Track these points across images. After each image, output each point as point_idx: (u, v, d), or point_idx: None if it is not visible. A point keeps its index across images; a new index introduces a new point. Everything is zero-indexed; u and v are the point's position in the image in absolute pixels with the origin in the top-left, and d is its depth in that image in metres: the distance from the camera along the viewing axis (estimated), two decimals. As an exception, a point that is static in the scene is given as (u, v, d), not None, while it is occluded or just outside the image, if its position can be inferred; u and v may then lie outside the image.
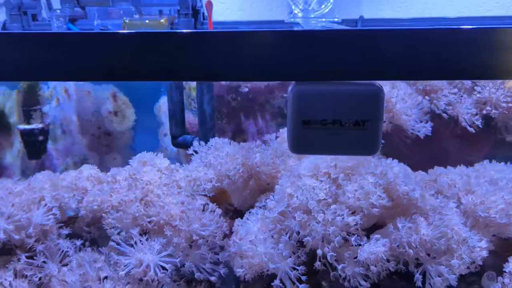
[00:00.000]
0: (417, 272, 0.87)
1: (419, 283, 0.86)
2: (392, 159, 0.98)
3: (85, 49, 0.53)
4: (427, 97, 1.15)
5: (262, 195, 1.07)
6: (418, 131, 1.15)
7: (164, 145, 1.41)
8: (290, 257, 0.91)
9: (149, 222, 0.92)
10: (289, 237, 0.90)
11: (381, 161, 0.96)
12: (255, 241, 0.94)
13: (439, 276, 0.84)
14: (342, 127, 0.62)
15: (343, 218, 0.85)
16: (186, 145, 1.34)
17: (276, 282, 0.91)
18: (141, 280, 0.91)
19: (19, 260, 0.95)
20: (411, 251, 0.85)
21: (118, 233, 0.92)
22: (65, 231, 1.01)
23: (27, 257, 0.96)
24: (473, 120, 1.12)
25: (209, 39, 0.54)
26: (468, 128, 1.14)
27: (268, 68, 0.56)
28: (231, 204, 1.10)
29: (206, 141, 1.13)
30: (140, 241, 0.92)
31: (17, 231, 0.95)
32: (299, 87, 0.63)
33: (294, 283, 0.92)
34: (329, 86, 0.61)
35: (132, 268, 0.90)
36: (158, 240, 0.92)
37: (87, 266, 0.95)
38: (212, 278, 0.96)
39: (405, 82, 1.19)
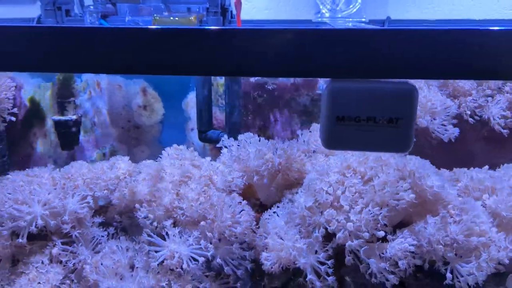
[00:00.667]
0: (447, 271, 0.88)
1: (449, 282, 0.87)
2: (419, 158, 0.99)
3: (121, 43, 0.55)
4: (456, 101, 1.15)
5: (289, 190, 1.09)
6: (443, 135, 1.15)
7: (190, 140, 1.44)
8: (317, 251, 0.93)
9: (182, 214, 0.95)
10: (316, 232, 0.92)
11: (407, 159, 0.97)
12: (282, 235, 0.96)
13: (467, 275, 0.85)
14: (375, 124, 0.64)
15: (370, 214, 0.87)
16: (213, 140, 1.37)
17: (309, 276, 0.93)
18: (172, 270, 0.94)
19: (54, 245, 0.99)
20: (440, 247, 0.85)
21: (151, 224, 0.95)
22: (98, 219, 1.05)
23: (62, 243, 1.00)
24: (506, 122, 1.13)
25: (243, 36, 0.56)
26: (502, 130, 1.14)
27: (298, 65, 0.57)
28: (257, 198, 1.12)
29: (233, 137, 1.15)
30: (173, 233, 0.94)
31: (53, 217, 0.99)
32: (335, 84, 0.64)
33: (320, 277, 0.93)
34: (363, 84, 0.63)
35: (164, 259, 0.92)
36: (190, 233, 0.94)
37: (120, 254, 0.98)
38: (239, 273, 0.98)
39: (434, 84, 1.19)
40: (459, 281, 0.86)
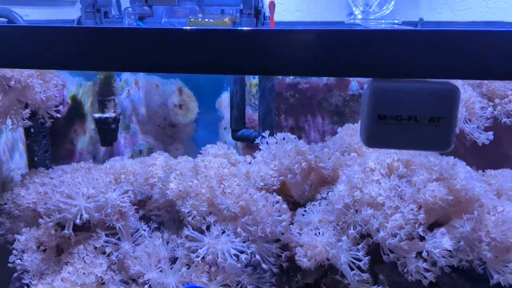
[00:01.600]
0: (490, 273, 0.88)
1: (493, 282, 0.87)
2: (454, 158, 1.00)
3: (158, 43, 0.58)
4: (491, 102, 1.15)
5: (323, 188, 1.11)
6: (477, 138, 1.14)
7: (223, 139, 1.47)
8: (351, 249, 0.95)
9: (223, 210, 0.97)
10: (351, 229, 0.94)
11: (443, 159, 0.98)
12: (317, 231, 0.98)
13: (509, 273, 0.85)
14: (416, 123, 0.65)
15: (407, 212, 0.88)
16: (245, 139, 1.40)
17: (343, 273, 0.94)
18: (212, 265, 0.97)
19: (98, 237, 1.04)
20: (477, 246, 0.86)
21: (192, 219, 0.98)
22: (138, 213, 1.09)
23: (105, 235, 1.04)
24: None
25: (281, 36, 0.58)
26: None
27: (333, 65, 0.59)
28: (291, 195, 1.14)
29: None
30: (214, 229, 0.97)
31: (96, 210, 1.03)
32: (376, 83, 0.66)
33: (354, 274, 0.95)
34: (405, 83, 0.64)
35: (204, 254, 0.95)
36: (230, 229, 0.97)
37: (161, 247, 1.02)
38: (275, 267, 1.01)
39: (469, 85, 1.19)
40: (498, 280, 0.86)
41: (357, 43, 0.58)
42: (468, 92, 1.17)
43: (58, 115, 1.18)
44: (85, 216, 1.02)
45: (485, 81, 1.19)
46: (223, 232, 0.97)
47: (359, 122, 0.70)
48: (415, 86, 0.65)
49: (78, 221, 1.01)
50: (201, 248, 0.96)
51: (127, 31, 0.60)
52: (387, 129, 0.67)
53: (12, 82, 1.07)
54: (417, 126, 0.66)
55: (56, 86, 1.16)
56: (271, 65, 0.59)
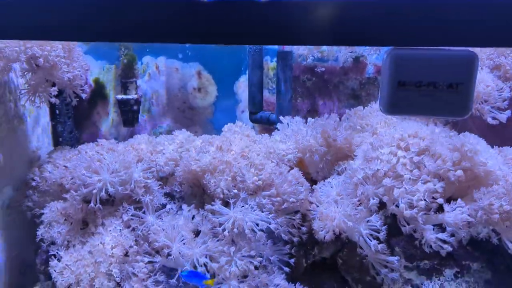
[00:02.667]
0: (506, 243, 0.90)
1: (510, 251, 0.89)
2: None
3: (177, 14, 0.60)
4: (508, 83, 1.16)
5: (340, 163, 1.13)
6: (493, 118, 1.15)
7: (241, 121, 1.50)
8: (368, 220, 0.97)
9: (246, 184, 1.00)
10: (371, 200, 0.96)
11: (460, 135, 1.00)
12: (335, 204, 1.01)
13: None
14: (435, 89, 0.68)
15: (427, 184, 0.90)
16: (263, 121, 1.43)
17: (360, 244, 0.97)
18: (234, 238, 1.00)
19: (126, 211, 1.07)
20: (494, 218, 0.88)
21: (216, 193, 1.01)
22: (163, 189, 1.13)
23: (130, 209, 1.08)
24: None
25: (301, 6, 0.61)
26: None
27: (356, 33, 0.61)
28: (308, 173, 1.17)
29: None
30: (237, 202, 1.00)
31: (120, 185, 1.07)
32: (397, 50, 0.68)
33: (371, 245, 0.97)
34: (425, 51, 0.67)
35: (227, 226, 0.98)
36: (253, 201, 1.00)
37: (185, 220, 1.04)
38: (295, 239, 1.04)
39: (486, 66, 1.20)
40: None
41: (379, 11, 0.60)
42: (484, 74, 1.18)
43: (84, 95, 1.22)
44: (111, 190, 1.05)
45: (503, 64, 1.20)
46: (246, 204, 0.99)
47: (379, 90, 0.73)
48: (435, 53, 0.67)
49: (103, 194, 1.05)
50: (225, 221, 0.99)
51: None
52: (406, 95, 0.69)
53: (41, 61, 1.11)
54: (436, 92, 0.68)
55: (83, 66, 1.20)
56: (293, 35, 0.62)
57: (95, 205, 1.06)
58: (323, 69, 1.40)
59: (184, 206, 1.08)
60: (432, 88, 0.68)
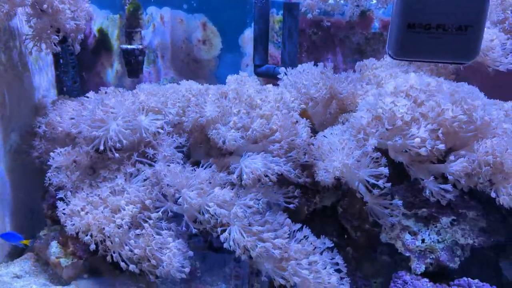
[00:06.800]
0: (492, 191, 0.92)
1: (502, 203, 0.91)
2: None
3: None
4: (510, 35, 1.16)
5: (343, 115, 1.15)
6: (498, 66, 1.15)
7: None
8: (369, 165, 0.99)
9: (253, 129, 1.02)
10: (370, 145, 0.97)
11: (460, 85, 1.01)
12: (337, 150, 1.02)
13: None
14: (444, 32, 0.68)
15: (428, 131, 0.92)
16: (268, 74, 1.43)
17: (360, 189, 0.99)
18: (241, 183, 1.02)
19: (135, 160, 1.08)
20: (488, 168, 0.90)
21: (223, 142, 1.02)
22: (173, 138, 1.12)
23: (139, 158, 1.09)
24: None
25: None
26: None
27: None
28: (312, 123, 1.18)
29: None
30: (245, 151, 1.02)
31: (129, 133, 1.07)
32: (407, -9, 0.68)
33: (371, 191, 1.00)
34: (436, -8, 0.67)
35: (237, 174, 1.01)
36: (260, 146, 1.03)
37: (193, 169, 1.05)
38: (301, 180, 1.06)
39: (490, 21, 1.20)
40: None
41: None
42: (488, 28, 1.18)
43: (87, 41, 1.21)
44: (120, 137, 1.05)
45: (509, 17, 1.19)
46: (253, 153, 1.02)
47: (388, 34, 0.73)
48: (445, -6, 0.67)
49: (110, 142, 1.05)
50: (234, 168, 1.01)
51: None
52: (415, 38, 0.70)
53: (45, 5, 1.10)
54: (445, 35, 0.68)
55: (86, 12, 1.19)
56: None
57: (102, 153, 1.07)
58: (329, 23, 1.39)
59: (191, 156, 1.09)
60: (441, 31, 0.68)
